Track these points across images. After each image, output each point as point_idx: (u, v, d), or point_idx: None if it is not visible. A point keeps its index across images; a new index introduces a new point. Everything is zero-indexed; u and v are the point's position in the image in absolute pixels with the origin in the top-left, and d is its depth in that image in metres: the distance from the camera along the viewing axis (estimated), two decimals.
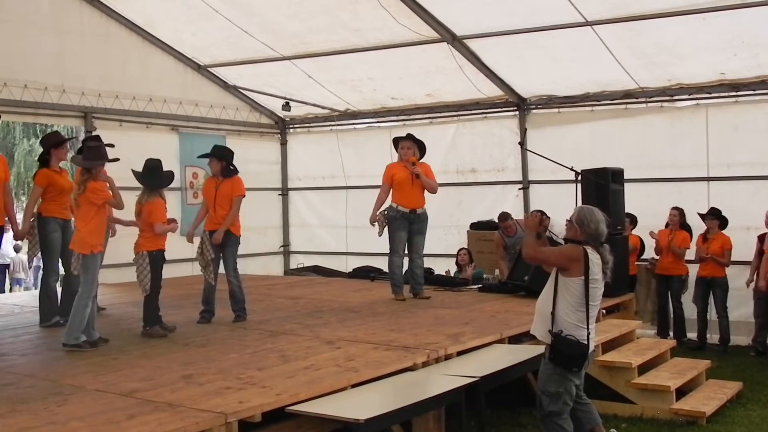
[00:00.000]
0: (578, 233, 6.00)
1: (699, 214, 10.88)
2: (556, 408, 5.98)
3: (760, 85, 10.90)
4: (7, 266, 19.95)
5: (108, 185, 7.35)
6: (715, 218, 10.75)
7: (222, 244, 8.50)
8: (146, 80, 12.98)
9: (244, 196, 8.71)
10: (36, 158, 9.11)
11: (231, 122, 14.47)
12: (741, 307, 10.90)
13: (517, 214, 12.08)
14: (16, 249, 19.64)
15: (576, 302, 5.90)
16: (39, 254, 8.56)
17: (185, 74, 13.72)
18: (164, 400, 5.22)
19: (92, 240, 7.16)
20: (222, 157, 8.70)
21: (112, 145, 9.05)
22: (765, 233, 10.37)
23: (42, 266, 8.91)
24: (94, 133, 11.46)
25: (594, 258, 5.93)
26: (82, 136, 11.67)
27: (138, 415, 4.89)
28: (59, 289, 8.73)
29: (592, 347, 6.14)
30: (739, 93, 11.10)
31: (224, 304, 8.66)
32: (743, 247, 10.73)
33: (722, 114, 11.28)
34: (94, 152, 7.48)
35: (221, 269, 8.66)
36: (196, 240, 8.67)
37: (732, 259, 10.78)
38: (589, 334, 5.96)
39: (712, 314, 10.92)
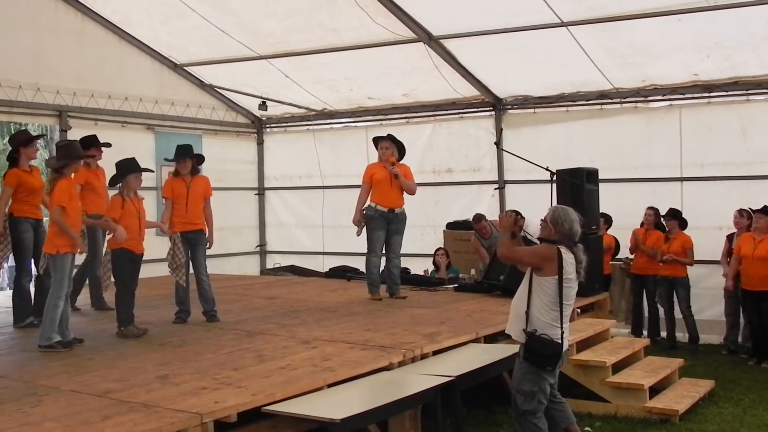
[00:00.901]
0: (552, 233, 6.04)
1: (661, 216, 11.05)
2: (531, 407, 6.02)
3: (732, 87, 11.02)
4: None
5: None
6: (674, 219, 10.93)
7: (193, 244, 8.46)
8: (122, 79, 12.90)
9: None
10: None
11: (207, 121, 14.42)
12: (714, 306, 11.02)
13: (493, 214, 12.13)
14: None
15: (550, 301, 5.95)
16: (11, 255, 8.48)
17: (161, 73, 13.65)
18: (139, 401, 5.19)
19: (58, 240, 7.05)
20: (193, 155, 8.65)
21: (108, 145, 8.99)
22: (733, 233, 10.50)
23: (15, 267, 8.84)
24: (75, 134, 11.40)
25: (568, 257, 5.97)
26: (56, 135, 11.59)
27: (113, 415, 4.86)
28: (33, 290, 8.65)
29: (566, 346, 6.18)
30: (712, 94, 11.22)
31: (198, 303, 8.61)
32: (715, 247, 10.86)
33: (695, 115, 11.39)
34: (63, 151, 7.38)
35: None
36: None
37: (704, 258, 10.92)
38: (563, 333, 6.00)
39: None
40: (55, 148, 7.92)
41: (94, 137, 9.29)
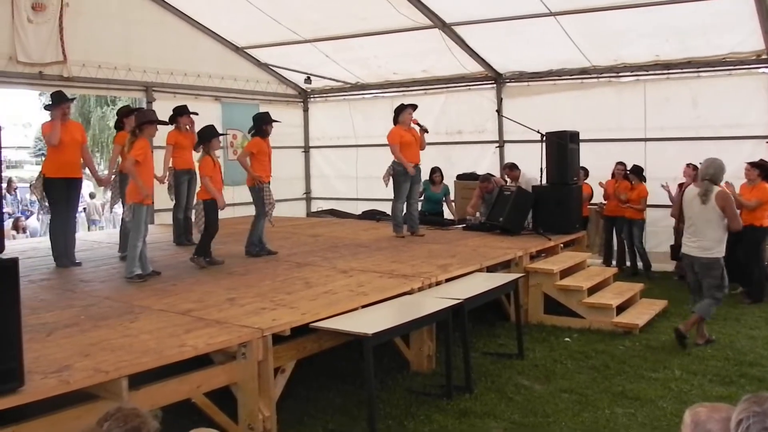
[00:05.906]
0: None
1: (627, 171, 10.95)
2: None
3: (686, 66, 10.89)
4: (84, 209, 19.88)
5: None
6: (636, 174, 10.87)
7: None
8: (195, 59, 12.79)
9: None
10: (107, 123, 9.15)
11: (263, 93, 14.31)
12: (669, 241, 10.92)
13: (494, 168, 12.16)
14: (91, 196, 19.43)
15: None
16: (119, 202, 8.53)
17: (226, 54, 13.52)
18: (213, 318, 5.25)
19: (135, 193, 6.93)
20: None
21: (196, 113, 8.92)
22: (683, 182, 10.41)
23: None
24: (158, 105, 11.35)
25: None
26: (144, 106, 11.60)
27: (193, 329, 4.94)
28: None
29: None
30: (670, 71, 11.08)
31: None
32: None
33: (657, 88, 11.24)
34: (140, 115, 7.26)
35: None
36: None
37: (662, 203, 10.82)
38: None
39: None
40: (136, 112, 7.86)
41: (184, 107, 9.13)
